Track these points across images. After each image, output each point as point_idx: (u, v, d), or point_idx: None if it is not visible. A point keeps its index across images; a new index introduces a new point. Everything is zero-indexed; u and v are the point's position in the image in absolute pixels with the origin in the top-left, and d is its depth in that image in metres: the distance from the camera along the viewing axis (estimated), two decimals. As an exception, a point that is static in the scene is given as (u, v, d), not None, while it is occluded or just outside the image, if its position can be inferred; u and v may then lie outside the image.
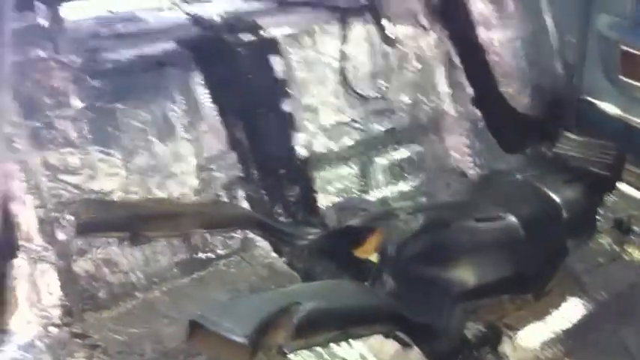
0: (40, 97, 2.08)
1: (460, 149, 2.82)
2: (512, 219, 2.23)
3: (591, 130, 2.72)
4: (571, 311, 2.16)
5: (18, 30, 2.06)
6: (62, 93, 2.11)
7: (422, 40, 2.82)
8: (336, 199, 2.54)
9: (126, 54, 2.26)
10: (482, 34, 2.86)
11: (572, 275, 2.28)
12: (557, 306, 2.17)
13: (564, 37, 2.84)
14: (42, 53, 2.10)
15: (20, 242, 1.96)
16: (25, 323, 1.93)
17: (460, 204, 2.51)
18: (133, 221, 2.03)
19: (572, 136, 2.75)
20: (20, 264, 1.95)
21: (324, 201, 2.51)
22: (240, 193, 2.35)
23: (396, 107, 2.74)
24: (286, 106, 2.51)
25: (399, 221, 2.19)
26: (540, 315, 2.13)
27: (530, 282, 2.18)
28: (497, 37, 2.86)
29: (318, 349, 1.78)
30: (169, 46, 2.34)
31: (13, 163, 1.97)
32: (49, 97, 2.09)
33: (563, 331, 2.10)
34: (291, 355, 1.47)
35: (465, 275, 2.10)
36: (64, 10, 2.19)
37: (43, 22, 2.13)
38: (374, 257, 2.15)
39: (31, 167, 2.01)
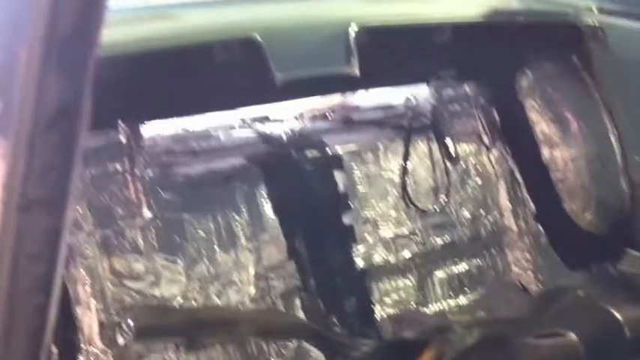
0: (114, 207, 2.11)
1: (522, 264, 2.70)
2: (573, 337, 2.08)
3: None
4: None
5: (99, 146, 2.13)
6: (134, 204, 2.14)
7: (484, 157, 2.77)
8: (393, 311, 2.44)
9: (197, 168, 2.28)
10: (545, 152, 2.77)
11: (636, 397, 2.08)
12: None
13: (630, 157, 2.70)
14: (119, 167, 2.14)
15: (82, 345, 1.95)
16: None
17: (519, 320, 2.37)
18: (191, 327, 1.98)
19: (638, 255, 2.56)
20: (81, 366, 1.93)
21: (380, 313, 2.42)
22: (297, 303, 2.29)
23: (456, 221, 2.66)
24: (347, 219, 2.47)
25: (455, 335, 2.07)
26: None
27: (592, 404, 2.00)
28: (560, 155, 2.76)
29: None
30: (238, 161, 2.36)
31: (82, 268, 1.99)
32: (122, 207, 2.12)
33: None
34: None
35: (522, 394, 1.95)
36: (143, 129, 2.23)
37: (123, 139, 2.16)
38: (429, 371, 2.02)
39: (98, 272, 2.02)
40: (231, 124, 2.43)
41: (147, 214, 2.13)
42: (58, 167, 0.90)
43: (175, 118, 2.30)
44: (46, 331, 0.92)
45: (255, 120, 2.47)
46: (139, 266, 2.08)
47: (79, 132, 0.90)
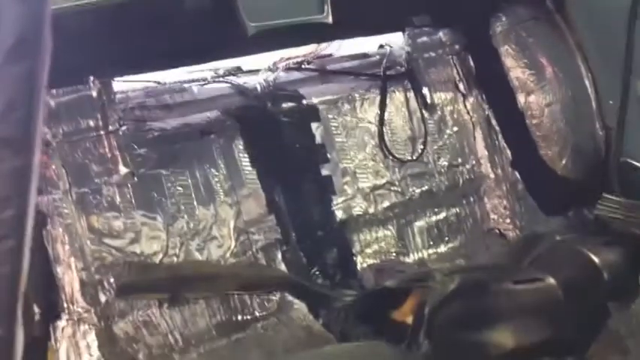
0: (89, 165, 2.08)
1: (499, 211, 2.73)
2: (551, 281, 2.12)
3: (633, 192, 2.58)
4: (613, 376, 2.02)
5: (69, 102, 2.09)
6: (110, 160, 2.11)
7: (460, 105, 2.77)
8: (374, 262, 2.46)
9: (172, 123, 2.26)
10: (521, 98, 2.78)
11: (614, 338, 2.13)
12: (598, 370, 2.03)
13: (604, 101, 2.73)
14: (92, 123, 2.11)
15: (64, 304, 1.94)
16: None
17: (498, 266, 2.41)
18: (173, 283, 2.00)
19: (614, 198, 2.61)
20: (63, 325, 1.93)
21: (361, 263, 2.43)
22: (278, 256, 2.30)
23: (434, 170, 2.67)
24: (325, 170, 2.47)
25: (436, 283, 2.10)
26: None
27: (571, 345, 2.05)
28: (535, 101, 2.77)
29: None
30: (213, 115, 2.34)
31: (60, 227, 1.97)
32: (97, 164, 2.09)
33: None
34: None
35: (503, 338, 2.01)
36: (115, 83, 2.20)
37: (95, 94, 2.13)
38: (410, 319, 2.06)
39: (77, 231, 2.00)
40: (204, 76, 2.40)
41: (123, 170, 2.11)
42: (22, 104, 0.87)
43: (147, 73, 2.27)
44: (20, 277, 0.90)
45: (228, 72, 2.45)
46: (117, 224, 2.07)
47: (41, 65, 0.88)
